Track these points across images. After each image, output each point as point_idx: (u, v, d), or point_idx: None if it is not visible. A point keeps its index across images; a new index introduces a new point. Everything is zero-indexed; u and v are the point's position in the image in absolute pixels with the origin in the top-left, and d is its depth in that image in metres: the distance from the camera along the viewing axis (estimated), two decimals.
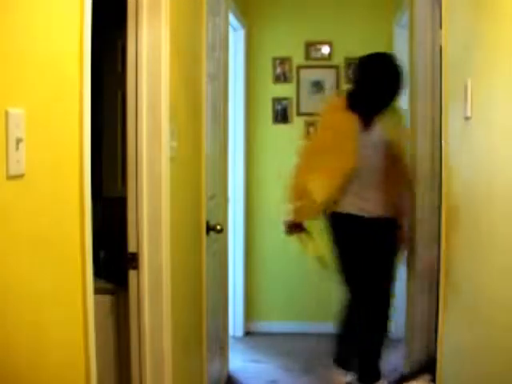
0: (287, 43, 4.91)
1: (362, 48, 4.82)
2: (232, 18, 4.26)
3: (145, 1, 2.23)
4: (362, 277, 3.45)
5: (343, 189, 3.42)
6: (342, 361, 3.68)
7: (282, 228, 3.68)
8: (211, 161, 3.40)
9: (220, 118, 3.74)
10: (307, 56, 4.89)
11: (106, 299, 2.50)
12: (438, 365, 2.68)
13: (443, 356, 2.61)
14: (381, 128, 3.43)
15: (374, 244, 3.45)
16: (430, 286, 3.52)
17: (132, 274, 2.29)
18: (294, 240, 4.25)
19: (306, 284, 4.92)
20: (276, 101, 4.91)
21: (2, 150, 1.16)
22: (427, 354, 3.57)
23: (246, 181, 4.89)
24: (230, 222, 4.46)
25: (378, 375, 3.58)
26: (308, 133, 4.86)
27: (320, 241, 3.64)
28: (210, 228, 3.21)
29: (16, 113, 1.21)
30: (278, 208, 4.89)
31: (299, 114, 4.90)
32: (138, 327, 2.30)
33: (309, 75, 4.88)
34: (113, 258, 2.63)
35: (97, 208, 1.98)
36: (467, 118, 2.23)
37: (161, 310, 2.31)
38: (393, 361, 4.27)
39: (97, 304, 1.66)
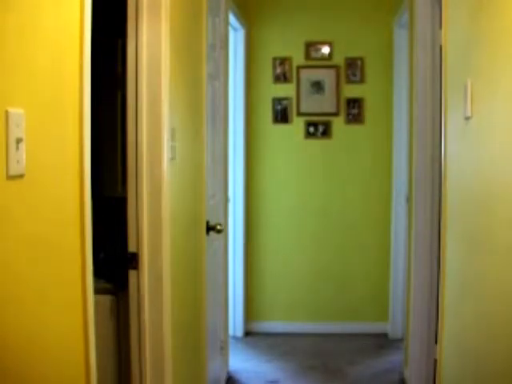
0: (287, 43, 4.90)
1: (362, 48, 4.86)
2: (232, 18, 4.27)
3: (145, 1, 2.23)
4: None
5: None
6: None
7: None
8: (211, 160, 3.40)
9: (220, 118, 3.74)
10: (307, 56, 4.89)
11: (106, 299, 2.49)
12: (439, 365, 2.68)
13: (444, 356, 2.61)
14: None
15: None
16: (430, 286, 3.51)
17: (132, 273, 2.29)
18: (293, 240, 4.26)
19: (306, 284, 4.92)
20: (276, 101, 4.91)
21: (2, 149, 1.16)
22: None
23: (245, 181, 4.89)
24: (230, 221, 4.46)
25: None
26: (308, 133, 4.87)
27: None
28: (209, 228, 3.22)
29: (16, 113, 1.20)
30: (277, 208, 4.93)
31: (299, 114, 4.90)
32: (138, 327, 2.30)
33: (309, 75, 4.88)
34: (113, 257, 2.63)
35: (97, 208, 1.98)
36: (467, 118, 2.23)
37: (161, 309, 2.31)
38: (393, 361, 4.28)
39: (97, 304, 1.66)
